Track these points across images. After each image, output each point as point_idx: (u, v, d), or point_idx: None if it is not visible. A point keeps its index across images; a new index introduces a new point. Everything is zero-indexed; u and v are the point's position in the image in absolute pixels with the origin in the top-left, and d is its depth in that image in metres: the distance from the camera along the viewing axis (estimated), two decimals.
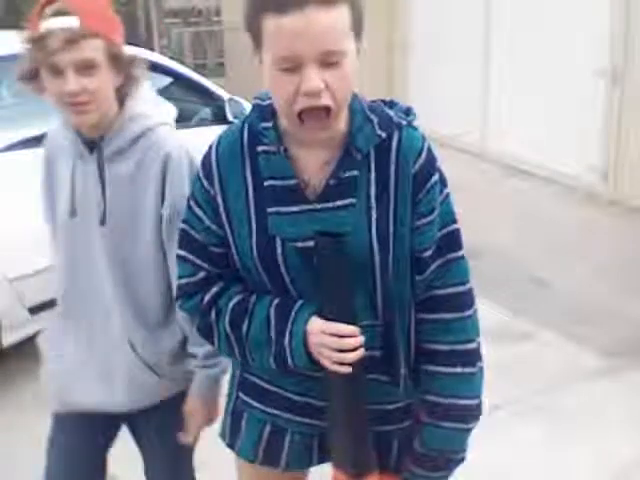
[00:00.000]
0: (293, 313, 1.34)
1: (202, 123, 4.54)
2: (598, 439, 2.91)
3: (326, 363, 1.31)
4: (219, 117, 4.48)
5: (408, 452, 1.45)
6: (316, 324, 1.31)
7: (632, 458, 2.82)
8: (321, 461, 1.54)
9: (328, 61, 1.19)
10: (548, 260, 4.70)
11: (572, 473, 2.74)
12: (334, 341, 1.29)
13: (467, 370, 1.39)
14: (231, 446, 1.58)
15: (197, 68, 9.18)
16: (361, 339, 1.30)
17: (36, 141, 3.70)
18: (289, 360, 1.34)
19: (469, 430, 1.42)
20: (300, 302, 1.35)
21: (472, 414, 1.41)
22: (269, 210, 1.33)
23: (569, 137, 6.05)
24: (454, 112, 7.18)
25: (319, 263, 1.31)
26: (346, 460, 1.39)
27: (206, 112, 4.63)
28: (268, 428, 1.51)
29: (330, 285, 1.31)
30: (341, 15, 1.19)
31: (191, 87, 4.62)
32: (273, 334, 1.34)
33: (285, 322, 1.34)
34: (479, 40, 7.03)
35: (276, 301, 1.36)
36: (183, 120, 4.61)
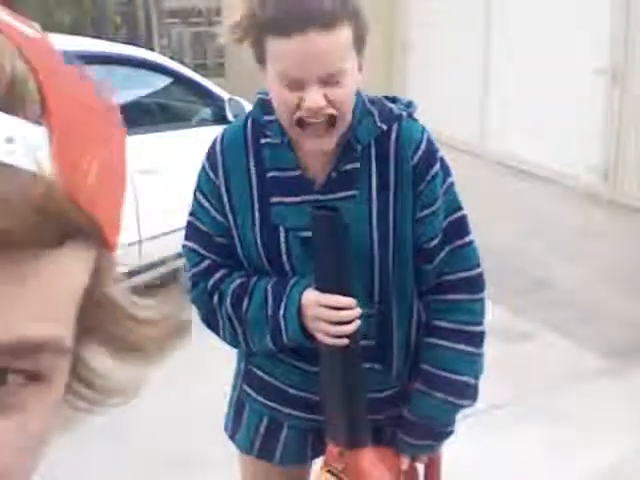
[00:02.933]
0: (289, 287, 1.35)
1: (202, 123, 4.55)
2: (598, 439, 2.91)
3: (321, 337, 1.32)
4: (219, 117, 4.48)
5: (398, 420, 1.47)
6: (311, 296, 1.32)
7: (632, 458, 2.82)
8: (315, 456, 1.57)
9: (329, 81, 1.23)
10: (548, 260, 4.70)
11: (572, 473, 2.74)
12: (331, 314, 1.30)
13: (469, 349, 1.41)
14: (232, 438, 1.61)
15: (197, 68, 9.18)
16: (358, 311, 1.31)
17: None
18: (284, 335, 1.35)
19: (460, 406, 1.43)
20: (296, 277, 1.36)
21: (466, 392, 1.42)
22: (273, 200, 1.36)
23: (569, 137, 6.04)
24: (454, 112, 7.18)
25: (315, 236, 1.32)
26: (340, 433, 1.40)
27: (206, 112, 4.63)
28: (265, 421, 1.53)
29: (326, 257, 1.32)
30: (342, 35, 1.23)
31: (191, 87, 4.63)
32: (270, 310, 1.36)
33: (281, 296, 1.35)
34: (479, 40, 7.03)
35: (274, 279, 1.38)
36: (183, 120, 4.64)
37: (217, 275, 1.43)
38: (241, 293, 1.39)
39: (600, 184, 5.84)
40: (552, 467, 2.76)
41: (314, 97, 1.22)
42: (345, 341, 1.31)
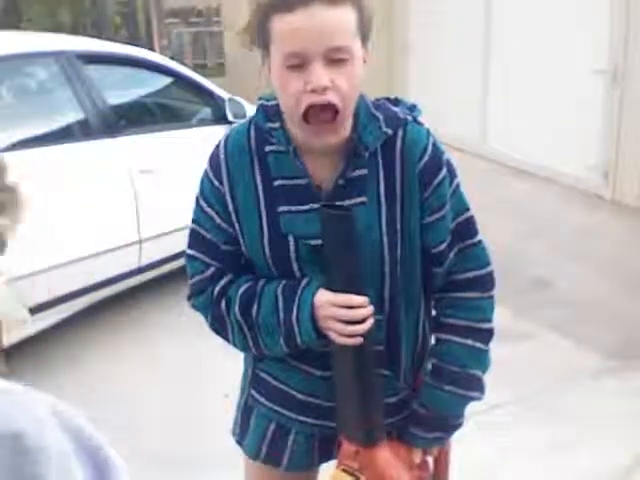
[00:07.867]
0: (300, 289, 1.34)
1: (202, 123, 4.55)
2: (598, 439, 2.91)
3: (334, 337, 1.31)
4: (219, 117, 4.48)
5: (407, 413, 1.47)
6: (324, 296, 1.31)
7: (632, 458, 2.82)
8: (321, 462, 1.56)
9: (335, 58, 1.21)
10: (548, 260, 4.70)
11: (572, 473, 2.74)
12: (344, 313, 1.29)
13: (477, 345, 1.41)
14: (239, 443, 1.60)
15: (197, 68, 9.18)
16: (371, 308, 1.31)
17: (36, 141, 3.72)
18: (297, 338, 1.34)
19: (469, 398, 1.43)
20: (307, 278, 1.35)
21: (475, 385, 1.43)
22: (280, 209, 1.34)
23: (569, 137, 6.04)
24: (454, 112, 7.18)
25: (325, 234, 1.31)
26: (356, 432, 1.39)
27: (206, 112, 4.63)
28: (273, 426, 1.52)
29: (337, 256, 1.31)
30: (346, 15, 1.21)
31: (191, 87, 4.63)
32: (282, 313, 1.34)
33: (292, 298, 1.34)
34: (479, 40, 7.03)
35: (283, 282, 1.36)
36: (183, 120, 4.64)
37: (223, 281, 1.41)
38: (249, 298, 1.37)
39: (600, 184, 5.84)
40: (552, 467, 2.76)
41: (319, 73, 1.20)
42: (359, 340, 1.30)
